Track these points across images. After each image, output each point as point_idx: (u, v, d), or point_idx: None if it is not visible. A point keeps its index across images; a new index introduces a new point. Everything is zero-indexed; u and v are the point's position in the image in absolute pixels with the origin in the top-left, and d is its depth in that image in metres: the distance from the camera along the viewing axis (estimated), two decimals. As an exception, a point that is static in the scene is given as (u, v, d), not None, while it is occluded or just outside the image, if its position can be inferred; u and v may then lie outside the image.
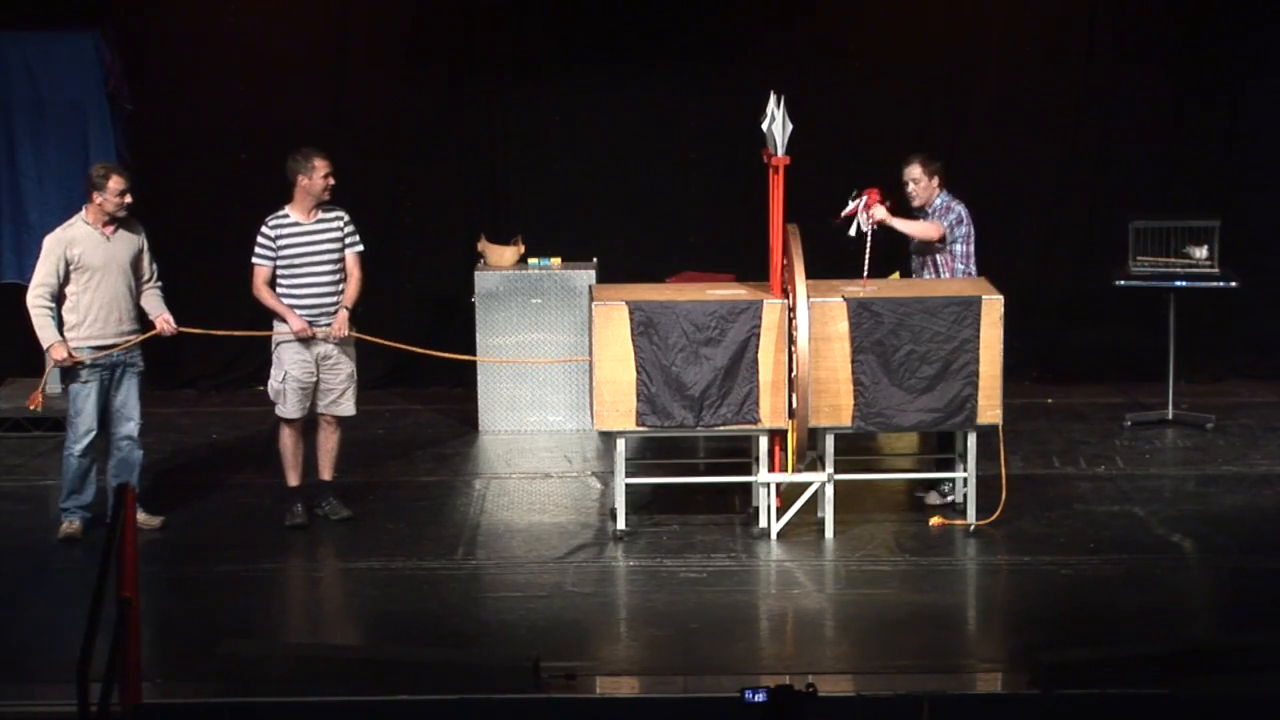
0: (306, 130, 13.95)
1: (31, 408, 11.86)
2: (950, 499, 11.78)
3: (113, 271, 11.32)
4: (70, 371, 11.32)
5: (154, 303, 11.55)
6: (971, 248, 11.82)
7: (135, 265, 11.44)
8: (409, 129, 14.71)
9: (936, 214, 11.77)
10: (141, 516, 10.98)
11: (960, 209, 11.79)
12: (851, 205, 11.65)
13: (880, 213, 11.56)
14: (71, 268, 11.25)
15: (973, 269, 11.81)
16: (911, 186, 11.80)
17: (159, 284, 11.60)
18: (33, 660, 9.72)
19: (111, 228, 11.33)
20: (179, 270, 14.43)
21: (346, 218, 11.66)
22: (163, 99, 14.37)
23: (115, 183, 11.28)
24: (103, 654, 8.41)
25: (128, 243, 11.40)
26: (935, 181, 11.81)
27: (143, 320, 11.51)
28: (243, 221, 12.63)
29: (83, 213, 11.37)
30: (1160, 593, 10.55)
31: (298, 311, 11.52)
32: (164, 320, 11.51)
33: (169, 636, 9.93)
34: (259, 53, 14.54)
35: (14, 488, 12.61)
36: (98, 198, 11.28)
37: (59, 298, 11.31)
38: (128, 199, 11.33)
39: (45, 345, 11.33)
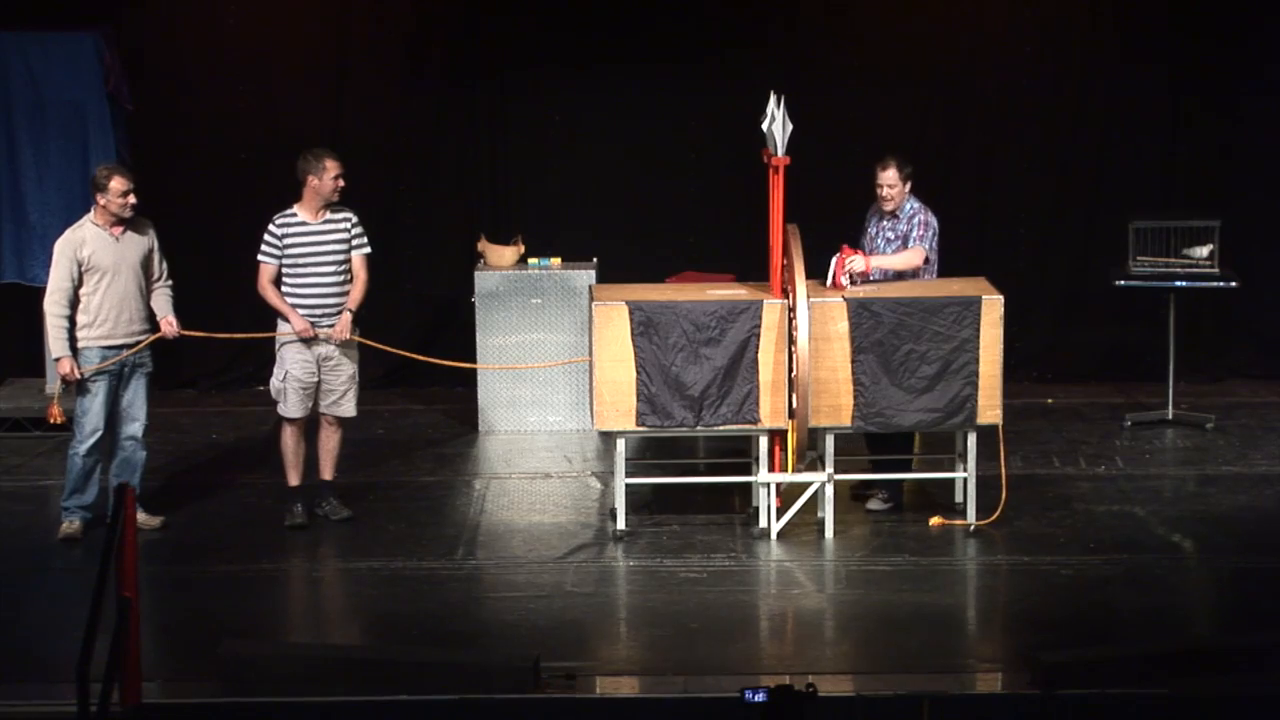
0: (306, 130, 13.98)
1: (52, 422, 11.81)
2: (889, 505, 11.78)
3: (123, 272, 11.32)
4: (79, 381, 11.30)
5: (161, 303, 11.54)
6: (937, 253, 11.83)
7: (145, 265, 11.43)
8: (409, 129, 14.71)
9: (908, 219, 11.69)
10: (141, 516, 10.99)
11: (931, 217, 11.73)
12: (834, 265, 11.54)
13: (859, 264, 11.47)
14: (83, 269, 11.25)
15: (934, 272, 11.84)
16: (887, 190, 11.70)
17: (169, 283, 11.60)
18: (33, 660, 9.72)
19: (120, 228, 11.33)
20: (178, 270, 14.37)
21: (354, 219, 11.66)
22: (163, 99, 14.37)
23: (118, 183, 11.28)
24: (103, 654, 8.42)
25: (137, 243, 11.39)
26: (908, 186, 11.72)
27: (153, 320, 11.52)
28: (243, 222, 12.63)
29: (90, 214, 11.37)
30: (1160, 593, 10.55)
31: (301, 311, 11.52)
32: (167, 323, 11.50)
33: (169, 636, 9.93)
34: (259, 54, 14.54)
35: (14, 488, 12.61)
36: (101, 199, 11.28)
37: (74, 301, 11.30)
38: (132, 199, 11.32)
39: (54, 357, 11.33)
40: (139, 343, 11.39)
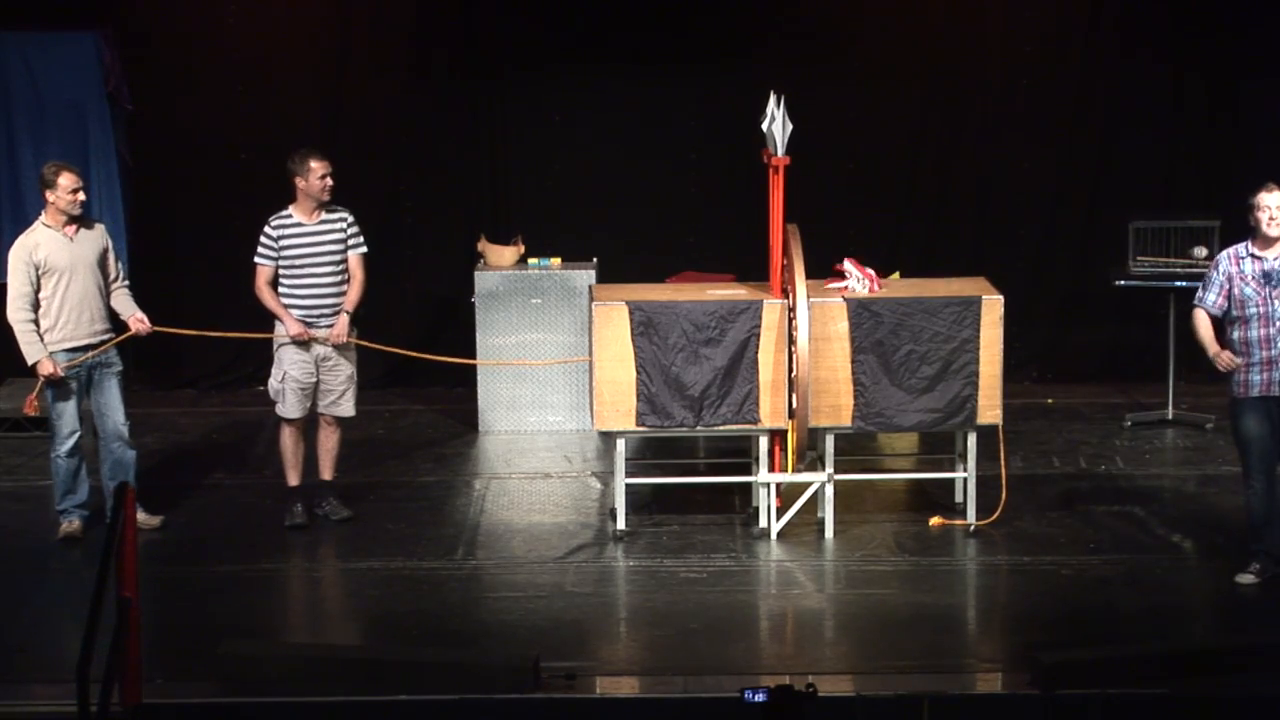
0: (306, 130, 13.98)
1: (28, 413, 11.79)
2: (1260, 578, 10.51)
3: (80, 272, 11.26)
4: (59, 381, 11.27)
5: (125, 303, 11.49)
6: None
7: (102, 265, 11.38)
8: (409, 129, 14.70)
9: None
10: (141, 516, 10.97)
11: None
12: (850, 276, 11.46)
13: None
14: (40, 272, 11.20)
15: None
16: (1271, 214, 10.53)
17: (127, 283, 11.55)
18: (33, 660, 9.72)
19: (73, 228, 11.28)
20: (178, 270, 14.50)
21: (350, 219, 11.66)
22: (163, 99, 14.37)
23: (66, 179, 11.22)
24: (103, 654, 8.41)
25: (91, 242, 11.34)
26: None
27: (114, 320, 11.46)
28: (243, 221, 12.63)
29: (42, 216, 11.32)
30: (1160, 593, 10.55)
31: (297, 312, 11.52)
32: (137, 320, 11.45)
33: (169, 636, 9.92)
34: (259, 53, 14.54)
35: (14, 488, 12.61)
36: (50, 196, 11.22)
37: (36, 305, 11.25)
38: (81, 196, 11.25)
39: (31, 361, 11.24)
40: (103, 343, 11.34)
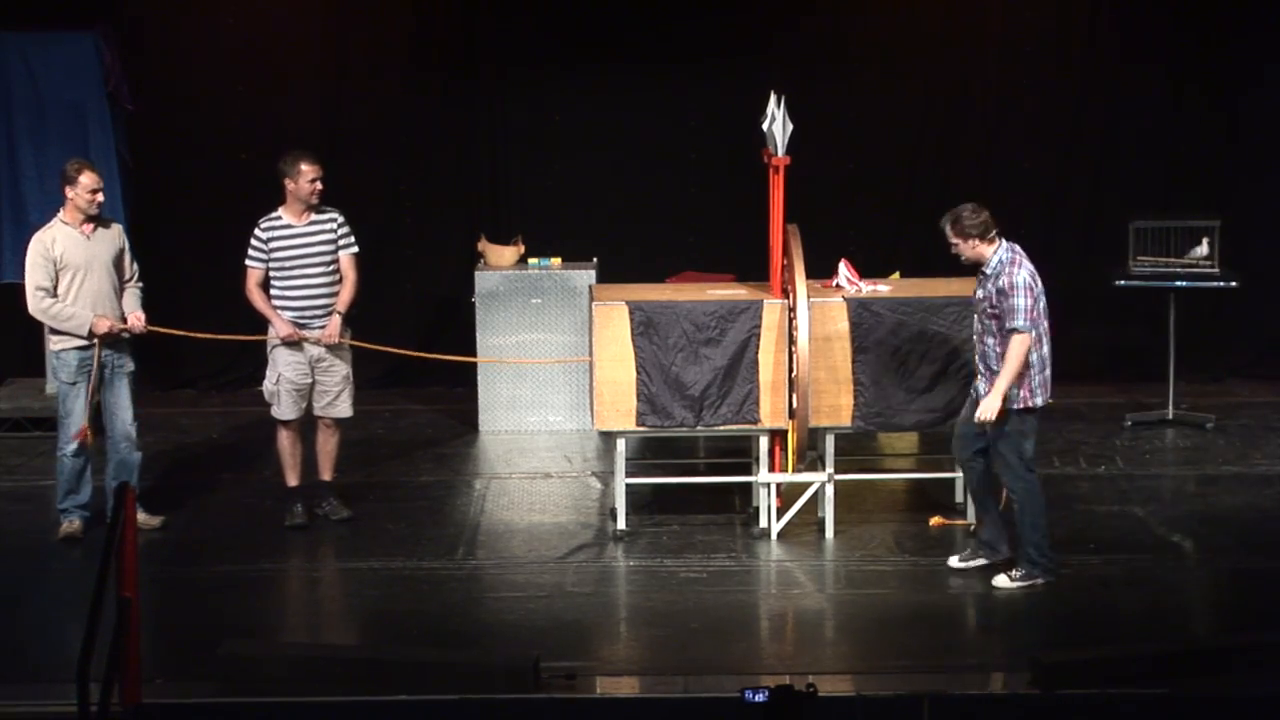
0: (306, 131, 13.99)
1: (86, 442, 11.59)
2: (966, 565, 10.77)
3: (96, 270, 11.27)
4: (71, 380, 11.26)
5: (130, 301, 11.49)
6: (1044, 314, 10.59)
7: (117, 265, 11.39)
8: (409, 129, 14.72)
9: (994, 277, 10.35)
10: (141, 516, 10.97)
11: (1021, 272, 10.39)
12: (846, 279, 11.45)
13: (990, 412, 10.33)
14: (57, 268, 11.21)
15: (1046, 340, 10.70)
16: (953, 250, 10.49)
17: (139, 284, 11.55)
18: (33, 660, 9.72)
19: (90, 226, 11.30)
20: (179, 270, 14.51)
21: (340, 219, 11.63)
22: (163, 99, 14.38)
23: (87, 179, 11.23)
24: (103, 654, 8.42)
25: (108, 242, 11.36)
26: (975, 242, 10.39)
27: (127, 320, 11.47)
28: (243, 222, 12.60)
29: (60, 213, 11.33)
30: (1160, 593, 10.55)
31: (289, 313, 11.50)
32: (135, 317, 11.43)
33: (169, 636, 9.93)
34: (259, 53, 14.55)
35: (14, 488, 12.61)
36: (70, 193, 11.23)
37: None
38: (100, 197, 11.26)
39: (86, 329, 11.17)
40: (115, 344, 11.35)
